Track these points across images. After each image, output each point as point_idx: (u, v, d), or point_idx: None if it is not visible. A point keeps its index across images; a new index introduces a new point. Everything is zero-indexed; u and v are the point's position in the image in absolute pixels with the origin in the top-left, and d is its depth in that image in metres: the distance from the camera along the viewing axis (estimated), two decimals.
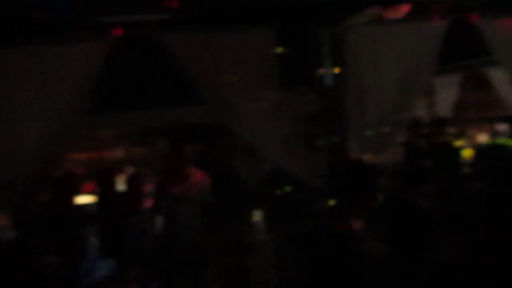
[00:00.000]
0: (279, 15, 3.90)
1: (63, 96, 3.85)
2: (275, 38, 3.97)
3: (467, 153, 5.92)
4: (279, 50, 3.95)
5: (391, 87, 4.22)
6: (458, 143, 5.94)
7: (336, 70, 4.10)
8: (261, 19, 3.93)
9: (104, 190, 4.15)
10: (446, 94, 7.14)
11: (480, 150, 5.70)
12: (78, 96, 3.87)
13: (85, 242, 2.19)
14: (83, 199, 4.38)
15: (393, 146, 4.14)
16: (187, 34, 3.93)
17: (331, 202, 3.26)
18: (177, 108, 5.75)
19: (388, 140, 4.16)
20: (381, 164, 3.83)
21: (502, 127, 5.37)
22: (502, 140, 5.22)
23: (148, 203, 3.96)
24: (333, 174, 3.71)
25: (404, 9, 4.07)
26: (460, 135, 6.45)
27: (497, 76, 5.74)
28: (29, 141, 3.80)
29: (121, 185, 4.39)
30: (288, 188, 3.60)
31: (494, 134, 5.45)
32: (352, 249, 2.36)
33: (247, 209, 3.72)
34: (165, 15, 3.77)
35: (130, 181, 4.25)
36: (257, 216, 3.69)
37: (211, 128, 5.72)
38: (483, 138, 6.56)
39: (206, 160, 4.64)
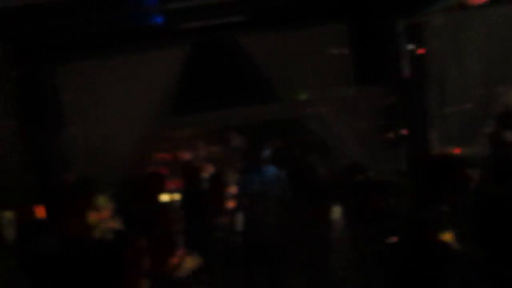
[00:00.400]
0: (354, 8, 3.85)
1: (150, 99, 4.10)
2: (349, 32, 3.92)
3: None
4: (353, 44, 3.89)
5: (476, 77, 4.00)
6: None
7: (415, 61, 3.96)
8: (335, 14, 3.90)
9: (189, 187, 4.32)
10: None
11: None
12: (162, 99, 4.10)
13: (173, 238, 2.33)
14: (167, 197, 4.60)
15: (481, 138, 3.92)
16: (262, 35, 4.01)
17: (413, 199, 3.17)
18: (254, 106, 5.85)
19: (475, 132, 3.95)
20: (468, 158, 3.65)
21: None
22: None
23: (229, 201, 4.08)
24: (414, 170, 3.60)
25: None
26: None
27: None
28: (121, 143, 4.09)
29: (203, 183, 4.54)
30: (366, 185, 3.54)
31: None
32: (439, 250, 2.28)
33: (325, 206, 3.70)
34: (240, 17, 3.87)
35: (212, 180, 4.37)
36: (335, 213, 3.67)
37: (288, 124, 5.76)
38: None
39: (283, 157, 4.68)
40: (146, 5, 3.46)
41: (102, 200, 2.52)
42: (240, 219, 4.00)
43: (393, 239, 2.61)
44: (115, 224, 2.54)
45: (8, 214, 2.46)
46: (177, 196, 4.48)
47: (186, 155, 7.25)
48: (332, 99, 4.09)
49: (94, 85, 4.16)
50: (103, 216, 2.47)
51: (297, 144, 5.95)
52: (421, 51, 3.98)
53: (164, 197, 4.00)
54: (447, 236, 2.21)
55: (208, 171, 5.21)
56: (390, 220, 2.60)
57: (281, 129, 6.09)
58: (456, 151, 3.89)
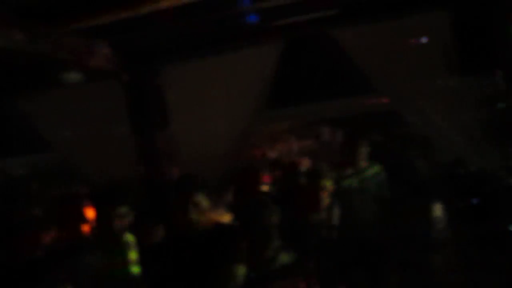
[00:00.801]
0: None
1: (246, 95, 4.24)
2: (452, 19, 3.69)
3: None
4: (457, 32, 3.65)
5: None
6: None
7: None
8: (436, 1, 3.70)
9: (285, 181, 4.38)
10: None
11: None
12: (259, 94, 4.21)
13: (269, 231, 2.40)
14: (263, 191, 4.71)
15: None
16: (356, 27, 3.93)
17: None
18: (350, 99, 5.74)
19: None
20: None
21: None
22: None
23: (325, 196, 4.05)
24: None
25: None
26: None
27: None
28: (220, 139, 4.27)
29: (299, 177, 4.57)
30: (470, 181, 3.32)
31: None
32: None
33: (426, 203, 3.54)
34: (333, 11, 3.83)
35: (309, 174, 4.38)
36: (437, 211, 3.49)
37: (386, 118, 5.59)
38: None
39: (381, 151, 4.55)
40: (240, 5, 3.58)
41: (202, 196, 2.66)
42: (336, 214, 3.96)
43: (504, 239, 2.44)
44: (216, 218, 2.68)
45: (124, 209, 2.71)
46: (271, 190, 4.58)
47: (281, 149, 7.33)
48: (434, 91, 3.88)
49: (194, 84, 4.39)
50: (204, 211, 2.61)
51: (396, 138, 5.75)
52: None
53: (261, 191, 4.10)
54: None
55: (304, 165, 5.24)
56: (497, 219, 2.42)
57: (379, 122, 5.93)
58: None
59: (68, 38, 3.56)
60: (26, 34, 3.22)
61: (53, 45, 3.46)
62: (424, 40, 3.86)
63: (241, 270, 2.06)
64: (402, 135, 5.52)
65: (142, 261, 2.69)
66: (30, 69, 4.06)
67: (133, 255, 2.77)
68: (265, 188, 4.26)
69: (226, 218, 3.24)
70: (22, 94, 4.66)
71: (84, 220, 3.02)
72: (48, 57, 3.54)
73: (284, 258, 2.37)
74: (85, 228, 3.01)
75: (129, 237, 2.83)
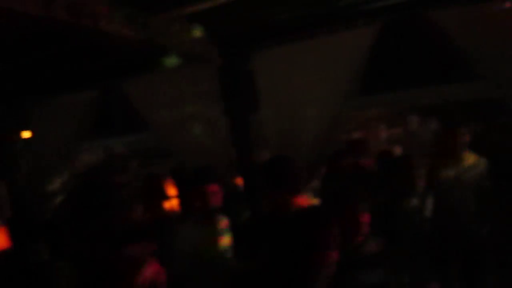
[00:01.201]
0: None
1: (338, 80, 4.18)
2: None
3: None
4: None
5: None
6: None
7: None
8: None
9: (378, 168, 4.29)
10: None
11: None
12: (351, 79, 4.13)
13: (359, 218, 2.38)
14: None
15: None
16: (458, 6, 3.70)
17: None
18: (449, 85, 5.44)
19: None
20: None
21: None
22: None
23: (419, 186, 3.91)
24: None
25: None
26: None
27: None
28: (311, 124, 4.27)
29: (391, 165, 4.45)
30: None
31: None
32: None
33: None
34: None
35: (401, 162, 4.25)
36: None
37: (488, 105, 5.23)
38: None
39: (483, 141, 4.28)
40: None
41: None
42: (430, 205, 3.81)
43: None
44: (305, 202, 2.70)
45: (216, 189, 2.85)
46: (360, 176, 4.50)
47: (372, 136, 7.17)
48: None
49: (285, 69, 4.41)
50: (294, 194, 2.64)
51: (498, 128, 5.36)
52: None
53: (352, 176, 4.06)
54: None
55: (396, 153, 5.10)
56: None
57: (479, 110, 5.57)
58: None
59: (166, 25, 3.74)
60: (128, 21, 3.44)
61: (152, 32, 3.65)
62: None
63: (331, 255, 2.07)
64: (505, 125, 5.14)
65: (233, 241, 2.80)
66: (131, 55, 4.33)
67: (225, 234, 2.89)
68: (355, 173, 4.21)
69: (314, 202, 3.26)
70: (124, 78, 4.97)
71: (175, 197, 3.20)
72: (147, 43, 3.75)
73: (373, 246, 2.34)
74: (177, 205, 3.20)
75: (222, 217, 2.96)
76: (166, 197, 3.21)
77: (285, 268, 2.20)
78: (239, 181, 4.31)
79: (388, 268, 2.32)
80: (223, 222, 2.96)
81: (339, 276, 2.23)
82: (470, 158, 3.77)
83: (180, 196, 3.10)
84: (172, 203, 3.21)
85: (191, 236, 2.82)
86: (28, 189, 5.51)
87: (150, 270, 2.19)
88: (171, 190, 3.23)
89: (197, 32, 4.00)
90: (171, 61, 4.38)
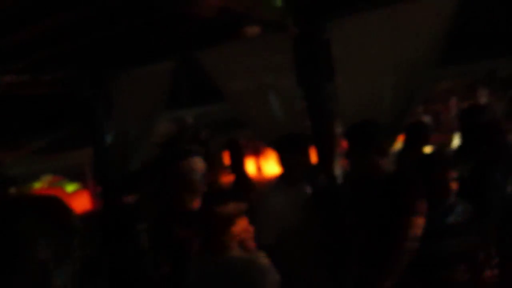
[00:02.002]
0: None
1: (417, 50, 4.04)
2: None
3: None
4: None
5: None
6: None
7: None
8: None
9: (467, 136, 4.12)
10: None
11: None
12: (431, 49, 3.98)
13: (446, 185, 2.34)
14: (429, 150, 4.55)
15: None
16: None
17: None
18: None
19: None
20: None
21: None
22: None
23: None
24: None
25: None
26: None
27: None
28: (386, 94, 4.19)
29: None
30: None
31: None
32: None
33: None
34: None
35: (489, 127, 4.04)
36: None
37: None
38: None
39: None
40: None
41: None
42: None
43: None
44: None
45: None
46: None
47: (446, 107, 6.91)
48: None
49: (362, 38, 4.32)
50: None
51: None
52: None
53: (427, 149, 3.97)
54: None
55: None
56: None
57: None
58: None
59: None
60: None
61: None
62: None
63: (418, 222, 2.07)
64: None
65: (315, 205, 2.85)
66: (206, 24, 4.41)
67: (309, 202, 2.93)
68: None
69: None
70: (200, 48, 5.08)
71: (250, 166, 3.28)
72: (222, 11, 3.79)
73: (461, 214, 2.30)
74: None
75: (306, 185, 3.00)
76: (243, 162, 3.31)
77: (372, 233, 2.23)
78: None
79: (476, 237, 2.27)
80: (308, 190, 3.02)
81: (426, 243, 2.22)
82: None
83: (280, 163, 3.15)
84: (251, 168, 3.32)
85: (278, 203, 2.90)
86: (112, 158, 5.85)
87: (240, 227, 2.31)
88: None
89: (274, 1, 4.00)
90: (246, 30, 4.42)
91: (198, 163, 2.93)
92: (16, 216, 1.33)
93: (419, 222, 2.05)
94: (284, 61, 4.60)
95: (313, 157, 3.93)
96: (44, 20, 3.84)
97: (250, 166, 12.61)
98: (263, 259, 2.29)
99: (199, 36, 4.72)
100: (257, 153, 12.28)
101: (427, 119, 6.20)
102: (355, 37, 4.34)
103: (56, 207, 1.51)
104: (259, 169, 13.06)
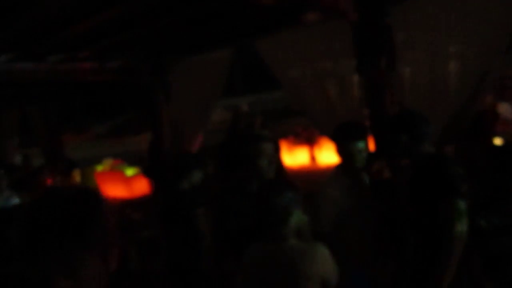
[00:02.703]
0: None
1: (483, 36, 3.84)
2: None
3: None
4: None
5: None
6: None
7: None
8: None
9: None
10: None
11: None
12: (499, 35, 3.77)
13: None
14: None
15: None
16: None
17: None
18: None
19: None
20: None
21: None
22: None
23: None
24: None
25: None
26: None
27: None
28: (450, 83, 4.02)
29: None
30: None
31: None
32: None
33: None
34: None
35: None
36: None
37: None
38: None
39: None
40: None
41: None
42: None
43: None
44: None
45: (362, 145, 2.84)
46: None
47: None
48: None
49: (425, 23, 4.15)
50: None
51: None
52: None
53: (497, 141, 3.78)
54: None
55: None
56: None
57: None
58: None
59: None
60: None
61: None
62: None
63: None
64: None
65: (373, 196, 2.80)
66: (265, 11, 4.39)
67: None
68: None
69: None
70: (259, 36, 5.07)
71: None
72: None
73: None
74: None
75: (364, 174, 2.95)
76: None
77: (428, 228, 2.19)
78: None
79: None
80: (366, 179, 2.97)
81: (489, 240, 2.14)
82: None
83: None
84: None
85: (337, 192, 2.87)
86: (171, 143, 6.01)
87: (295, 217, 2.32)
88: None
89: None
90: (305, 17, 4.37)
91: (267, 148, 2.90)
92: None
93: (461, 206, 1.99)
94: (343, 47, 4.52)
95: (371, 146, 3.86)
96: (108, 9, 3.97)
97: (304, 156, 12.56)
98: (320, 247, 2.29)
99: (258, 24, 4.71)
100: (311, 142, 12.20)
101: (504, 108, 5.88)
102: (418, 22, 4.18)
103: None
104: (313, 158, 12.99)
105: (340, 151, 2.97)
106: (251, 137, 2.98)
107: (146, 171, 6.74)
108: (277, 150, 3.34)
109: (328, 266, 2.27)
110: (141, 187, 10.09)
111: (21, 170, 6.82)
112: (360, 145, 2.91)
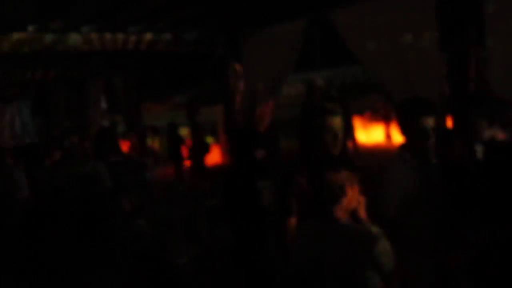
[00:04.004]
0: None
1: None
2: None
3: None
4: None
5: None
6: None
7: None
8: None
9: None
10: None
11: None
12: None
13: None
14: None
15: None
16: None
17: None
18: None
19: None
20: None
21: None
22: None
23: None
24: None
25: None
26: None
27: None
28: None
29: None
30: None
31: None
32: None
33: None
34: None
35: None
36: None
37: None
38: None
39: None
40: None
41: None
42: None
43: None
44: None
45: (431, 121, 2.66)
46: None
47: None
48: None
49: None
50: None
51: None
52: None
53: None
54: None
55: None
56: None
57: None
58: None
59: None
60: None
61: None
62: None
63: None
64: None
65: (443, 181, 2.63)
66: None
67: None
68: None
69: None
70: (331, 6, 4.88)
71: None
72: None
73: None
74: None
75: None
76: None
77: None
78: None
79: None
80: (434, 161, 2.78)
81: None
82: None
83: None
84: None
85: (402, 174, 2.71)
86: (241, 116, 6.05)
87: (351, 197, 2.23)
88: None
89: None
90: None
91: (333, 123, 2.78)
92: None
93: None
94: (424, 20, 4.23)
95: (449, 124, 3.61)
96: None
97: (379, 133, 12.16)
98: (374, 228, 2.18)
99: None
100: (388, 119, 11.76)
101: None
102: None
103: None
104: (388, 136, 12.53)
105: (406, 128, 2.78)
106: (317, 110, 2.85)
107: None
108: (349, 126, 3.23)
109: (381, 247, 2.16)
110: (215, 157, 10.35)
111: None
112: (429, 121, 2.70)
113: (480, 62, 3.91)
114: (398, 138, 10.99)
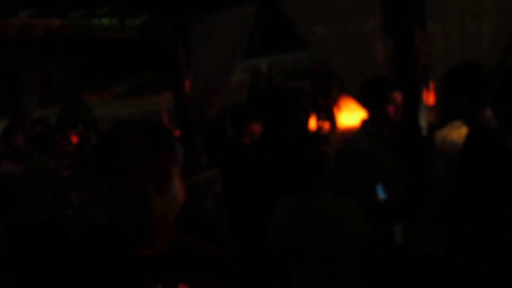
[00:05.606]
0: None
1: None
2: None
3: None
4: None
5: None
6: None
7: None
8: None
9: None
10: None
11: None
12: None
13: None
14: None
15: None
16: None
17: None
18: None
19: None
20: None
21: None
22: None
23: None
24: None
25: None
26: None
27: None
28: (484, 41, 3.88)
29: None
30: None
31: None
32: None
33: None
34: None
35: None
36: None
37: None
38: None
39: None
40: None
41: None
42: None
43: None
44: None
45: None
46: None
47: None
48: None
49: None
50: None
51: None
52: None
53: None
54: None
55: None
56: None
57: None
58: None
59: None
60: None
61: None
62: None
63: None
64: None
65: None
66: None
67: None
68: None
69: None
70: None
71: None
72: None
73: None
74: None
75: None
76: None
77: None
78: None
79: None
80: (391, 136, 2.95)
81: None
82: None
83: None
84: None
85: (366, 147, 2.83)
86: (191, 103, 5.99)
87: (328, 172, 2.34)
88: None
89: None
90: None
91: (306, 103, 2.99)
92: None
93: None
94: (369, 5, 4.37)
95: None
96: None
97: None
98: (354, 202, 2.29)
99: None
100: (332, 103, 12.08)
101: None
102: None
103: None
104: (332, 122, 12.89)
105: (375, 102, 2.88)
106: (294, 92, 3.03)
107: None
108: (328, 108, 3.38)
109: (360, 222, 2.27)
110: None
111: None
112: (398, 96, 2.85)
113: (422, 46, 4.13)
114: (343, 121, 11.20)
